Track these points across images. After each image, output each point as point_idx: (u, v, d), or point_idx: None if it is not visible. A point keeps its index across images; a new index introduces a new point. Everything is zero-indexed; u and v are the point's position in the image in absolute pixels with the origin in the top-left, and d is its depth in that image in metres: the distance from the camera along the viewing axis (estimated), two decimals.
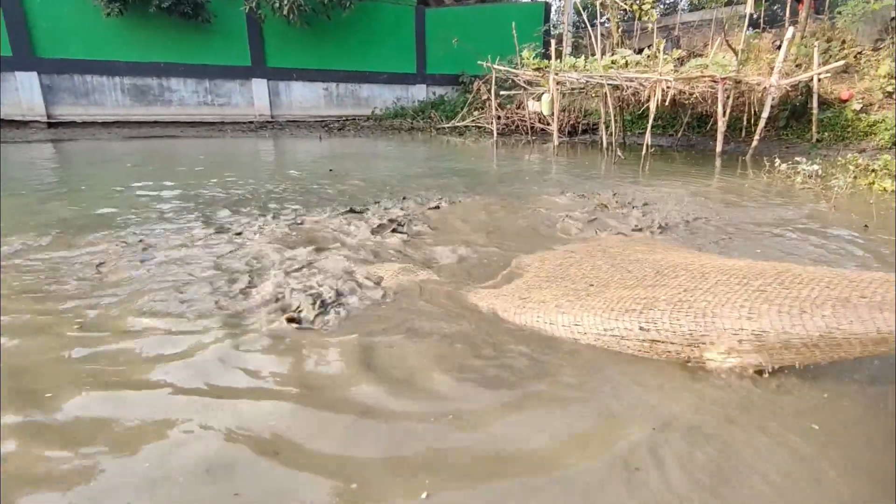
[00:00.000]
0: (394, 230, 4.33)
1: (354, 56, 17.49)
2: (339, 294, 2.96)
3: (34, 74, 13.83)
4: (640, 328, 2.05)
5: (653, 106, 9.51)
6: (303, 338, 2.52)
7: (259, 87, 16.44)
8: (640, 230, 4.44)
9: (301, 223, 4.58)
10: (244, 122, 16.26)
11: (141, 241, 4.00)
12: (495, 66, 12.74)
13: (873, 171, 7.08)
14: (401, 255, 3.73)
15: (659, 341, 2.03)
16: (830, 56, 11.31)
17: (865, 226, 4.74)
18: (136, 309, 2.77)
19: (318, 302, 2.83)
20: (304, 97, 17.22)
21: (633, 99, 10.73)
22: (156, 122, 15.32)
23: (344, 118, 17.59)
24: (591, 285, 2.58)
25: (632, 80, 9.83)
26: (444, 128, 16.08)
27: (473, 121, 15.75)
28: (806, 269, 2.14)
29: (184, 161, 9.29)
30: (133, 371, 2.20)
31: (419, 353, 2.36)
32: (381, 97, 18.30)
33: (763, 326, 1.81)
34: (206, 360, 2.28)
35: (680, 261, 2.68)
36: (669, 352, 2.05)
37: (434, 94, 18.78)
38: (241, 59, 16.11)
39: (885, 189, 6.23)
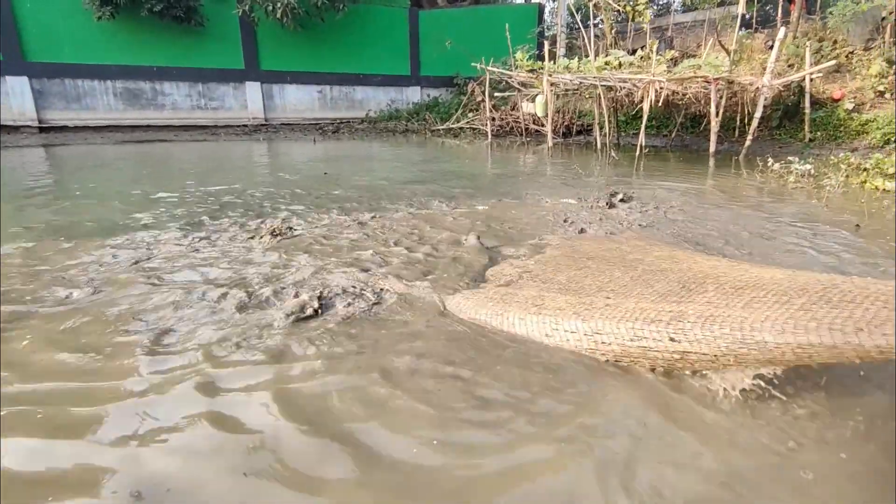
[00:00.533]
0: (366, 230, 4.30)
1: (348, 58, 17.47)
2: (325, 304, 2.90)
3: (25, 79, 13.75)
4: (671, 339, 1.98)
5: (646, 107, 9.53)
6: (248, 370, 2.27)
7: (253, 90, 16.40)
8: (632, 230, 4.43)
9: (290, 233, 4.54)
10: (238, 126, 16.21)
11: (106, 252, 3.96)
12: (489, 68, 12.74)
13: (865, 169, 7.11)
14: (398, 263, 3.70)
15: (690, 352, 1.96)
16: (822, 56, 11.37)
17: (857, 224, 4.75)
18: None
19: (296, 314, 2.74)
20: (297, 100, 17.19)
21: (626, 100, 10.75)
22: (149, 127, 15.25)
23: (338, 121, 17.56)
24: (609, 298, 2.50)
25: (625, 81, 9.84)
26: (438, 129, 16.07)
27: (468, 122, 15.76)
28: (853, 281, 2.00)
29: (176, 165, 9.24)
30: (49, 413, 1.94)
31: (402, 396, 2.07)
32: (376, 99, 18.29)
33: (811, 340, 1.71)
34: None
35: (708, 272, 2.56)
36: (702, 361, 1.98)
37: (428, 95, 18.78)
38: (235, 62, 16.07)
39: (876, 187, 6.25)
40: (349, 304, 2.86)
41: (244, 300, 2.91)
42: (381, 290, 3.08)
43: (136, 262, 3.61)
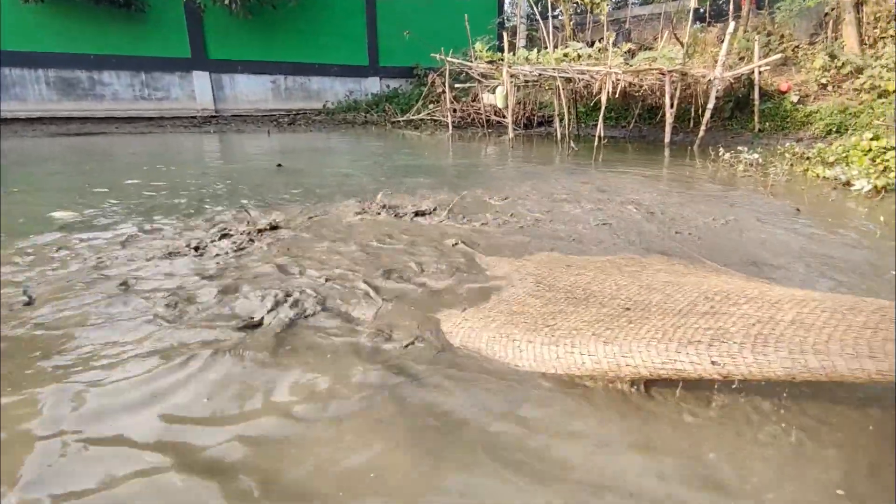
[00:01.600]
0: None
1: (303, 47, 16.84)
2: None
3: None
4: (712, 363, 1.76)
5: (604, 98, 9.57)
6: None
7: (201, 79, 15.56)
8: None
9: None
10: (186, 117, 15.37)
11: None
12: (449, 59, 12.52)
13: (808, 158, 7.40)
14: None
15: (734, 374, 1.75)
16: (770, 49, 11.75)
17: (797, 209, 4.92)
18: None
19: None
20: (250, 90, 16.44)
21: (585, 91, 10.80)
22: (87, 118, 14.24)
23: (294, 112, 16.94)
24: (628, 309, 2.25)
25: (583, 73, 9.85)
26: (398, 121, 15.75)
27: (429, 114, 15.50)
28: None
29: (116, 159, 8.61)
30: None
31: None
32: (333, 90, 17.73)
33: (892, 367, 1.52)
34: None
35: (725, 287, 2.34)
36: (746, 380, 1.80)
37: (388, 86, 18.38)
38: (181, 50, 15.18)
39: (817, 175, 6.48)
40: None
41: None
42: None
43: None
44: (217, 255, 3.46)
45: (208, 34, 15.42)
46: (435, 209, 4.78)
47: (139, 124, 14.38)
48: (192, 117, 15.42)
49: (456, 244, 3.71)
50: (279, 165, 7.85)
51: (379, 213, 4.62)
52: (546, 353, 2.06)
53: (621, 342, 1.94)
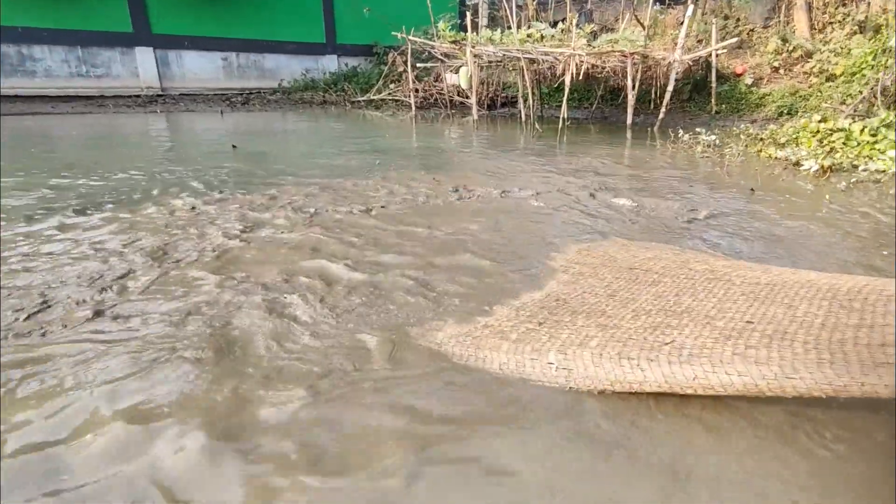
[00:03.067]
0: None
1: (255, 23, 15.98)
2: None
3: None
4: None
5: (568, 80, 9.54)
6: None
7: (144, 56, 14.53)
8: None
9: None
10: (129, 96, 14.37)
11: None
12: (411, 38, 12.15)
13: (761, 139, 7.61)
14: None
15: None
16: (727, 32, 11.99)
17: (752, 189, 5.10)
18: None
19: None
20: (199, 68, 15.50)
21: (549, 73, 10.73)
22: (17, 97, 13.09)
23: (247, 91, 16.15)
24: (750, 322, 2.12)
25: (547, 55, 9.78)
26: (359, 101, 15.29)
27: (390, 94, 15.10)
28: None
29: (57, 141, 7.94)
30: None
31: None
32: (289, 68, 16.97)
33: None
34: None
35: (846, 285, 2.23)
36: None
37: (346, 65, 17.77)
38: (121, 24, 14.10)
39: (770, 156, 6.68)
40: None
41: None
42: None
43: None
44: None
45: (151, 8, 14.36)
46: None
47: (77, 103, 13.34)
48: (135, 96, 14.43)
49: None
50: (234, 147, 7.52)
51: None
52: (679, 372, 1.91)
53: (772, 362, 1.82)
